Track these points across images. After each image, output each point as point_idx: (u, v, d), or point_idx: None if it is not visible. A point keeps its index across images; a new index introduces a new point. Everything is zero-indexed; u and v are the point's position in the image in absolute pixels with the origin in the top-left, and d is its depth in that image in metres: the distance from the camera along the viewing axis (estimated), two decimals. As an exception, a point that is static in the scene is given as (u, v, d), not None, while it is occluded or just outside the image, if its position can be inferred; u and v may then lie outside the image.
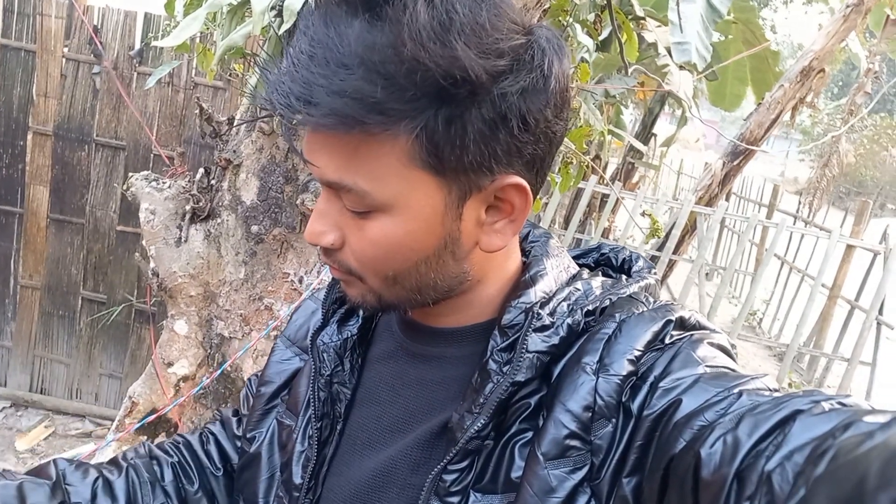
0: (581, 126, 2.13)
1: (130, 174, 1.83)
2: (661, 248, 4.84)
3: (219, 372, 1.78)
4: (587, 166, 2.26)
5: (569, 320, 0.57)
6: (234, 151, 1.75)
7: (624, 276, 0.65)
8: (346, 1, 0.50)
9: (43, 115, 3.13)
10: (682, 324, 0.56)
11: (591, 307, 0.58)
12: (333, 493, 0.64)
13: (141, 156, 3.16)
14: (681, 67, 2.92)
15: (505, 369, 0.56)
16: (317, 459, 0.65)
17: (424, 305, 0.60)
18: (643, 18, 2.84)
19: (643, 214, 3.82)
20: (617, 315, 0.57)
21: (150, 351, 3.22)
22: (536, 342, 0.56)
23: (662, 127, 6.84)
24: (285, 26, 1.26)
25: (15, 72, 3.11)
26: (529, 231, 0.68)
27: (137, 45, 3.06)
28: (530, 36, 0.53)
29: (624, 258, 0.69)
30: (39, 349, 3.39)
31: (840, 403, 0.41)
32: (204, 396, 1.85)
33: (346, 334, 0.68)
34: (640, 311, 0.57)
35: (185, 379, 1.80)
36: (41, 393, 3.44)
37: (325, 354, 0.68)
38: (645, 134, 6.04)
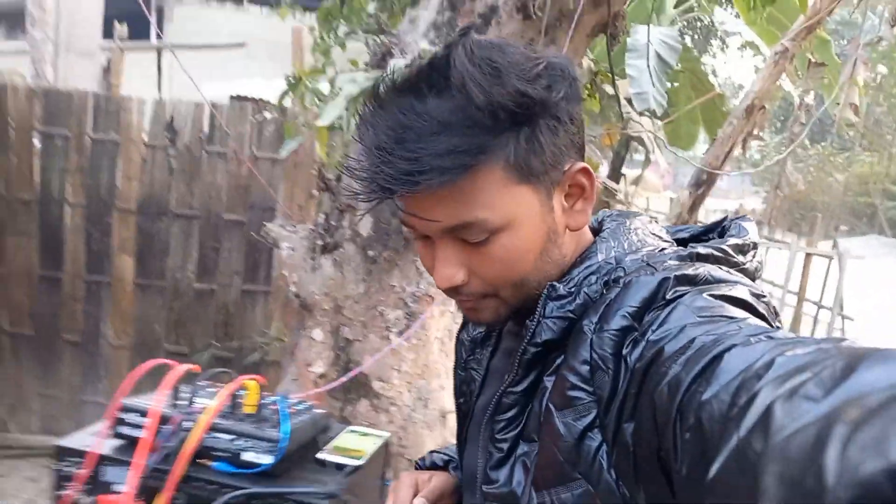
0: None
1: (264, 223, 2.40)
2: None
3: (346, 377, 2.31)
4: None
5: (586, 289, 0.63)
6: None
7: (679, 248, 0.66)
8: (411, 90, 0.59)
9: (126, 194, 3.68)
10: (687, 280, 0.57)
11: (613, 277, 0.62)
12: (466, 461, 0.77)
13: (212, 223, 3.71)
14: (640, 114, 3.48)
15: (529, 333, 0.64)
16: (459, 429, 0.80)
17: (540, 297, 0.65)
18: (597, 73, 3.44)
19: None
20: (625, 280, 0.60)
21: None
22: (552, 309, 0.63)
23: (625, 170, 7.55)
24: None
25: (101, 160, 3.67)
26: (606, 216, 0.74)
27: (206, 130, 3.67)
28: (543, 59, 0.61)
29: (724, 227, 0.72)
30: (125, 401, 3.81)
31: (768, 337, 0.44)
32: (333, 390, 2.37)
33: (478, 331, 0.82)
34: (649, 273, 0.59)
35: (321, 376, 2.32)
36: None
37: (461, 347, 0.83)
38: (615, 175, 6.77)
